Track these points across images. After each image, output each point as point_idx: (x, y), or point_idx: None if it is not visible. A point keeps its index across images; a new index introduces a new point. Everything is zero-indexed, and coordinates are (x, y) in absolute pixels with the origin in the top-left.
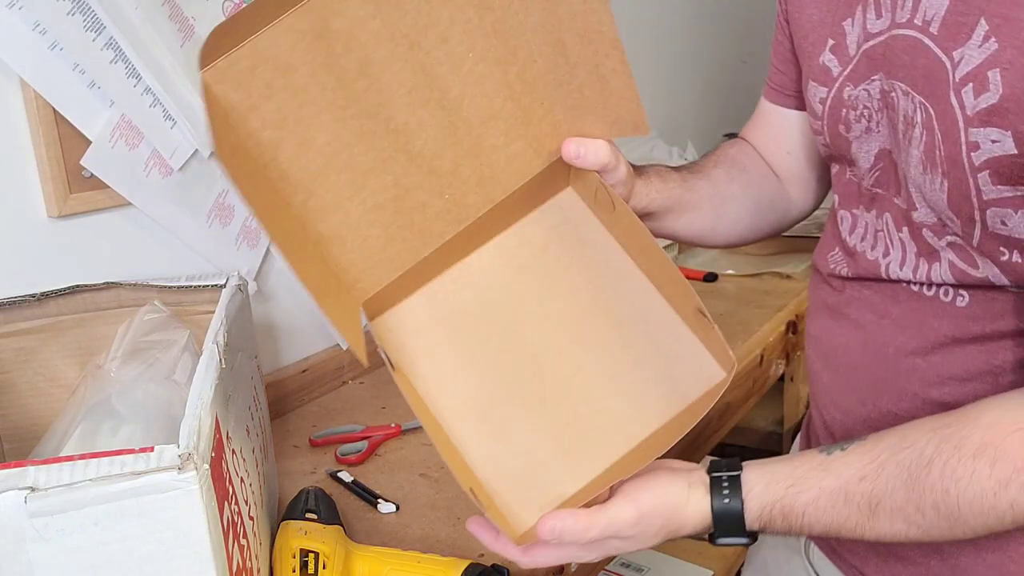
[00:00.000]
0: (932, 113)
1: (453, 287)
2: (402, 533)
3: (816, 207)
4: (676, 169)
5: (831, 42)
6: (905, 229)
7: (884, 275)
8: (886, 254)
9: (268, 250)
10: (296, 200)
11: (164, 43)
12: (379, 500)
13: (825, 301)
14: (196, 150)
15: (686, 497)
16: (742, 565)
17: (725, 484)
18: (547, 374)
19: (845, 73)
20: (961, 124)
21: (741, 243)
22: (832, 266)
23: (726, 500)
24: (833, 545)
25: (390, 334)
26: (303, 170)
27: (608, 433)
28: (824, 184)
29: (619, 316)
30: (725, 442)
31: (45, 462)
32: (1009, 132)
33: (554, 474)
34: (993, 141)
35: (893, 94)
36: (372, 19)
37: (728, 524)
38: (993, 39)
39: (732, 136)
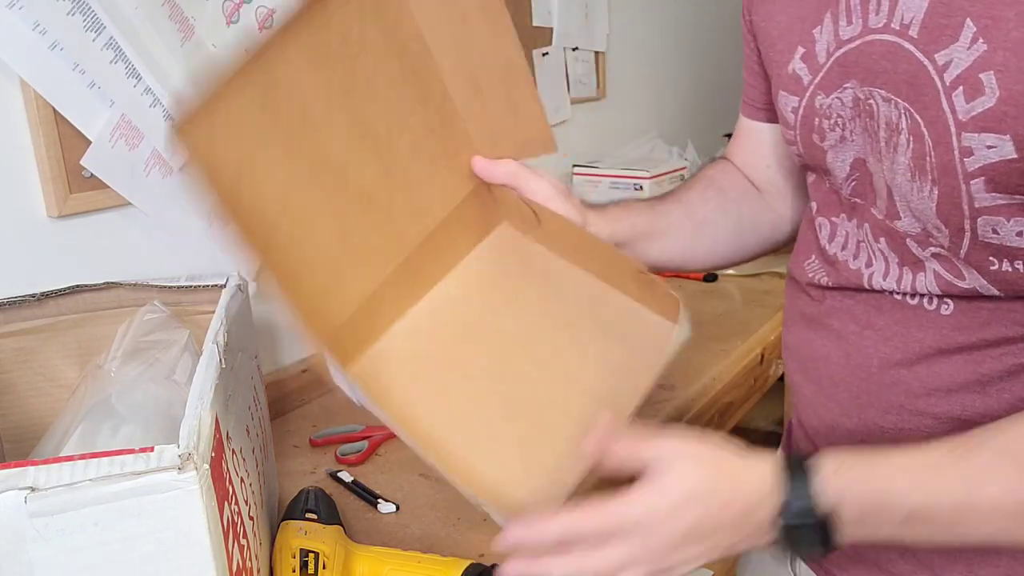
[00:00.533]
0: (919, 119)
1: (410, 329)
2: (402, 533)
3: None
4: (648, 200)
5: (801, 50)
6: (883, 239)
7: (867, 285)
8: (869, 264)
9: None
10: (264, 236)
11: (164, 43)
12: (379, 500)
13: (803, 311)
14: None
15: (739, 457)
16: None
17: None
18: (515, 391)
19: (816, 81)
20: (953, 129)
21: (728, 264)
22: (810, 275)
23: (794, 458)
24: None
25: (363, 375)
26: (265, 212)
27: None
28: (803, 194)
29: (570, 319)
30: None
31: (45, 462)
32: (1008, 136)
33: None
34: (989, 147)
35: (871, 101)
36: (308, 71)
37: (799, 489)
38: (982, 40)
39: (731, 136)
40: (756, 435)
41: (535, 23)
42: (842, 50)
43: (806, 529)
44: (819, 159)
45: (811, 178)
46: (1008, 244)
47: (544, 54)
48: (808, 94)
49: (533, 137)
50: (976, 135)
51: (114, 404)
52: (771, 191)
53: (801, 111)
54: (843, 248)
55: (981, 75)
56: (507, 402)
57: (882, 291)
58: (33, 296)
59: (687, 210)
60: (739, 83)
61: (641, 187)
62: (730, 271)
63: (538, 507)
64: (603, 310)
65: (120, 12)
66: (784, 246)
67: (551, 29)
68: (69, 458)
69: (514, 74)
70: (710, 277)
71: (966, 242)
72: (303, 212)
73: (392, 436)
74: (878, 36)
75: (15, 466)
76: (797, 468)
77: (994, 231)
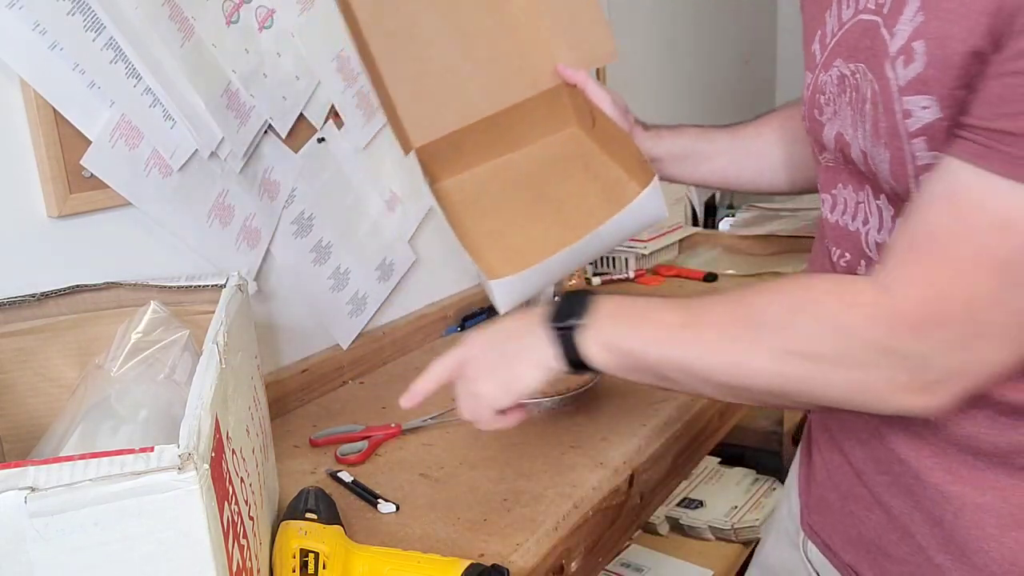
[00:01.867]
0: (879, 88)
1: (484, 176)
2: (402, 533)
3: None
4: (699, 126)
5: (819, 32)
6: (883, 197)
7: (864, 244)
8: (865, 222)
9: (268, 250)
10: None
11: (164, 43)
12: (379, 500)
13: None
14: (196, 150)
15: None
16: (743, 565)
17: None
18: (536, 221)
19: (821, 60)
20: (896, 94)
21: (774, 191)
22: (830, 249)
23: (576, 292)
24: (827, 542)
25: (446, 195)
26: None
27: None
28: None
29: (588, 194)
30: (725, 442)
31: (45, 462)
32: (934, 97)
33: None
34: (923, 108)
35: (857, 76)
36: None
37: (570, 304)
38: (921, 12)
39: None
40: (756, 435)
41: None
42: (841, 31)
43: (568, 305)
44: (817, 133)
45: (815, 155)
46: None
47: None
48: (816, 72)
49: (597, 49)
50: (912, 98)
51: (114, 404)
52: None
53: (811, 88)
54: (843, 214)
55: (914, 43)
56: (523, 218)
57: (873, 256)
58: (33, 296)
59: (734, 138)
60: (740, 83)
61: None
62: (730, 271)
63: (510, 271)
64: (610, 186)
65: (120, 12)
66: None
67: None
68: (69, 458)
69: None
70: (710, 277)
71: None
72: (428, 40)
73: (392, 436)
74: (862, 16)
75: (15, 466)
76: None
77: None
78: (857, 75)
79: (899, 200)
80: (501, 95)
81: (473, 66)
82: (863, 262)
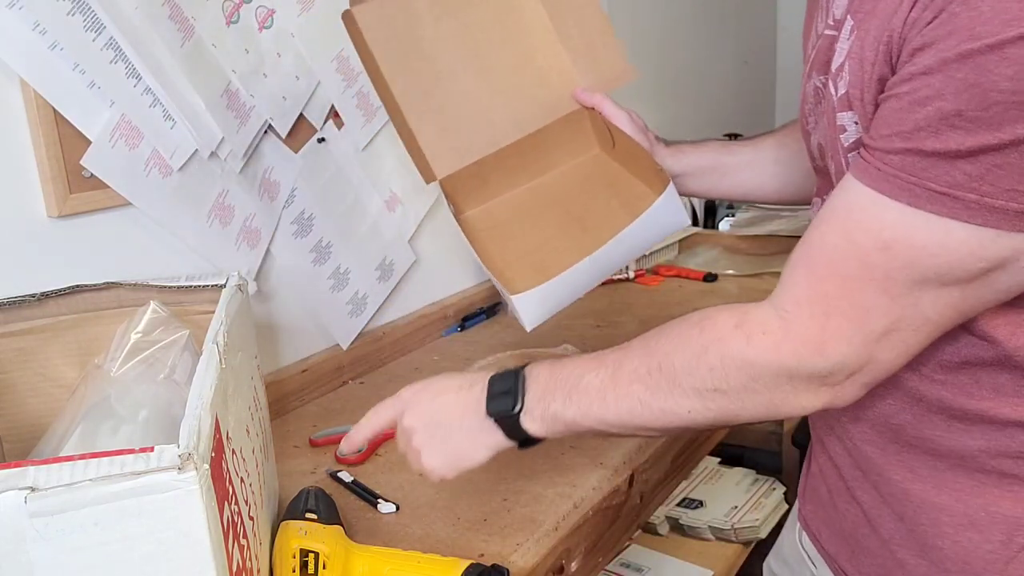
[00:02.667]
0: (826, 104)
1: (510, 204)
2: (402, 533)
3: None
4: (721, 140)
5: (809, 46)
6: None
7: None
8: None
9: (268, 250)
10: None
11: (164, 43)
12: (379, 500)
13: None
14: (196, 150)
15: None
16: (743, 565)
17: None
18: (555, 235)
19: (805, 72)
20: (834, 110)
21: (801, 201)
22: None
23: (503, 375)
24: (816, 533)
25: (472, 224)
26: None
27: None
28: None
29: (605, 208)
30: (725, 442)
31: (45, 462)
32: (855, 113)
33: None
34: (853, 123)
35: (828, 87)
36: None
37: (503, 391)
38: (854, 34)
39: (733, 136)
40: (756, 435)
41: None
42: (818, 43)
43: (502, 393)
44: (807, 141)
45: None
46: None
47: None
48: (803, 84)
49: (615, 72)
50: (843, 114)
51: (114, 404)
52: None
53: (801, 97)
54: None
55: (846, 63)
56: (551, 238)
57: None
58: (33, 296)
59: (757, 151)
60: (740, 83)
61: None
62: (730, 271)
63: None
64: (631, 200)
65: (120, 12)
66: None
67: None
68: (69, 458)
69: (594, 20)
70: (710, 277)
71: None
72: (450, 74)
73: (392, 436)
74: (829, 31)
75: (15, 466)
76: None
77: None
78: (828, 87)
79: None
80: (523, 123)
81: (494, 96)
82: None
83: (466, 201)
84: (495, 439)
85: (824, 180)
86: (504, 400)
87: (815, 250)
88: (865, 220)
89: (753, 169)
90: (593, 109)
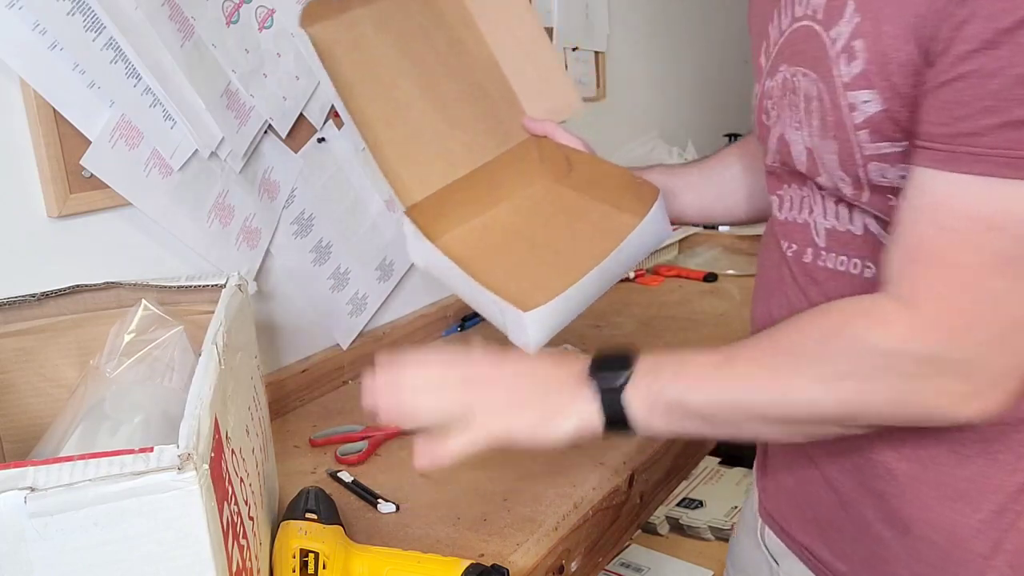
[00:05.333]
0: (824, 87)
1: (473, 231)
2: (402, 533)
3: None
4: (670, 164)
5: (764, 44)
6: (824, 188)
7: (814, 232)
8: (811, 212)
9: (268, 250)
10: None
11: (164, 43)
12: (379, 500)
13: (766, 282)
14: (196, 150)
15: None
16: None
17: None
18: (534, 257)
19: (767, 69)
20: (840, 90)
21: (751, 221)
22: (780, 241)
23: (616, 350)
24: (783, 526)
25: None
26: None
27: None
28: None
29: (578, 233)
30: (725, 442)
31: (45, 462)
32: (876, 90)
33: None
34: (864, 101)
35: (795, 79)
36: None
37: (613, 363)
38: (858, 14)
39: (732, 136)
40: None
41: None
42: (782, 38)
43: (611, 364)
44: (764, 138)
45: (764, 159)
46: (897, 185)
47: None
48: (763, 80)
49: (561, 103)
50: (855, 92)
51: (112, 404)
52: None
53: (759, 96)
54: (791, 209)
55: (854, 43)
56: (527, 264)
57: (819, 261)
58: (33, 296)
59: (703, 172)
60: (740, 83)
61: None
62: (730, 271)
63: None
64: (597, 220)
65: (120, 12)
66: None
67: (551, 29)
68: (69, 458)
69: (543, 54)
70: (710, 277)
71: (865, 188)
72: (407, 104)
73: (392, 436)
74: (799, 23)
75: (15, 466)
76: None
77: (883, 176)
78: (797, 76)
79: (840, 191)
80: (479, 152)
81: (450, 127)
82: (810, 249)
83: (433, 230)
84: (587, 412)
85: (782, 174)
86: (610, 370)
87: (919, 248)
88: (962, 206)
89: (700, 190)
90: (544, 138)
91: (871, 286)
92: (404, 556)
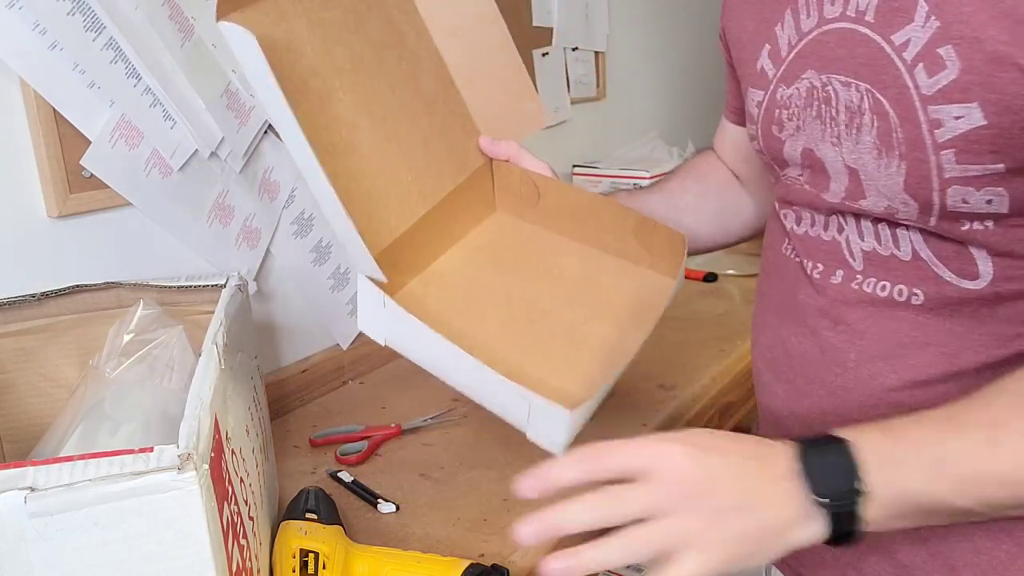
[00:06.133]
0: (882, 98)
1: (434, 284)
2: (402, 533)
3: None
4: (630, 190)
5: (767, 47)
6: (850, 218)
7: (847, 254)
8: (840, 230)
9: (268, 250)
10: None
11: (164, 43)
12: (379, 500)
13: (778, 307)
14: (196, 150)
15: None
16: None
17: (811, 438)
18: (522, 317)
19: (778, 75)
20: (918, 104)
21: (715, 246)
22: (788, 253)
23: (818, 439)
24: (792, 564)
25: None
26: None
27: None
28: None
29: (570, 293)
30: None
31: (45, 462)
32: (976, 103)
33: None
34: (956, 117)
35: (829, 88)
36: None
37: (831, 459)
38: (934, 18)
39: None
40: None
41: (535, 23)
42: (803, 42)
43: (830, 462)
44: (776, 150)
45: (771, 174)
46: (979, 211)
47: (544, 54)
48: (771, 87)
49: (527, 118)
50: (943, 107)
51: (112, 404)
52: (750, 182)
53: (764, 104)
54: (812, 224)
55: (939, 50)
56: (525, 335)
57: (852, 284)
58: (33, 296)
59: (666, 198)
60: None
61: (641, 187)
62: (730, 271)
63: (586, 394)
64: (601, 277)
65: (120, 12)
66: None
67: (551, 29)
68: (69, 458)
69: (505, 59)
70: (710, 277)
71: (935, 213)
72: (350, 121)
73: (392, 436)
74: (834, 25)
75: (15, 466)
76: (826, 448)
77: (964, 201)
78: (832, 85)
79: (895, 215)
80: (432, 187)
81: (400, 155)
82: (840, 271)
83: (396, 283)
84: (811, 531)
85: (798, 191)
86: (834, 474)
87: None
88: None
89: (664, 217)
90: (506, 162)
91: (919, 312)
92: (404, 556)
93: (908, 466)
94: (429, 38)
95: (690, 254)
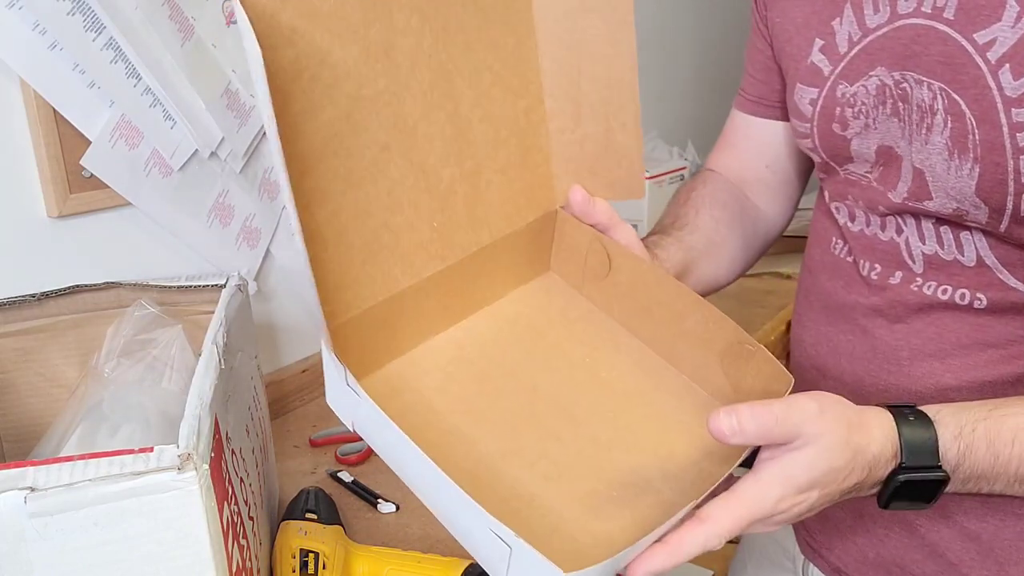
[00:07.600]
0: (959, 99)
1: (442, 357)
2: (402, 533)
3: (792, 216)
4: (666, 233)
5: (820, 42)
6: (910, 219)
7: (907, 255)
8: (899, 231)
9: (268, 250)
10: (295, 173)
11: (164, 43)
12: (379, 500)
13: (825, 304)
14: (196, 150)
15: (861, 412)
16: None
17: (907, 411)
18: (546, 421)
19: (837, 71)
20: (1000, 106)
21: (742, 274)
22: (837, 252)
23: (911, 418)
24: (836, 564)
25: (379, 388)
26: (305, 144)
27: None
28: (793, 191)
29: (616, 397)
30: None
31: (45, 462)
32: None
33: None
34: None
35: (904, 85)
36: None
37: (918, 447)
38: None
39: (720, 137)
40: None
41: None
42: (868, 38)
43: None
44: (840, 148)
45: (824, 171)
46: None
47: None
48: (828, 84)
49: (624, 177)
50: None
51: (112, 404)
52: (763, 190)
53: (820, 102)
54: (867, 223)
55: None
56: (541, 444)
57: (911, 285)
58: (33, 296)
59: (707, 238)
60: (739, 83)
61: (667, 224)
62: None
63: (598, 553)
64: (664, 401)
65: (120, 12)
66: (774, 244)
67: None
68: (69, 458)
69: (623, 96)
70: None
71: (1006, 218)
72: (347, 161)
73: None
74: (908, 21)
75: (15, 466)
76: (916, 436)
77: None
78: (907, 83)
79: (964, 218)
80: (470, 239)
81: (443, 211)
82: (899, 273)
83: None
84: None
85: (855, 185)
86: (918, 466)
87: None
88: None
89: (691, 261)
90: (574, 219)
91: (980, 315)
92: (404, 556)
93: (992, 459)
94: (533, 43)
95: (720, 288)
